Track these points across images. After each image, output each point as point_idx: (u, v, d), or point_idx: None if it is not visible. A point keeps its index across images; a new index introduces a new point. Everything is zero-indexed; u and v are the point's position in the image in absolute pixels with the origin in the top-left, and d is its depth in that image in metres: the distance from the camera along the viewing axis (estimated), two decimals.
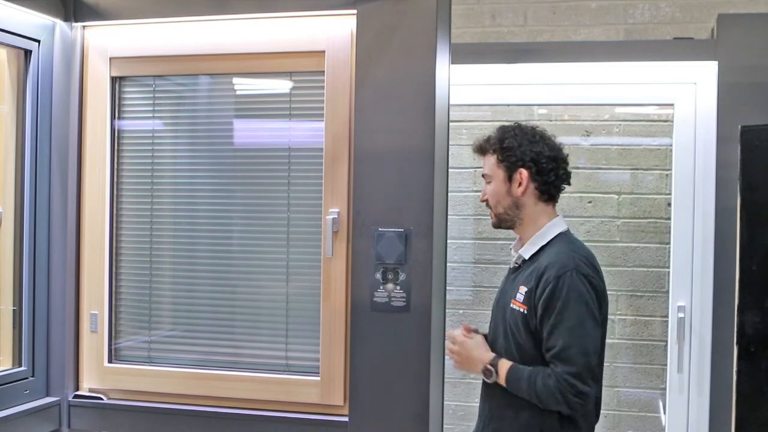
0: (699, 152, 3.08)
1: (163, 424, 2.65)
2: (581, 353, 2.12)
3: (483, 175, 2.33)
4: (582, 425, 2.24)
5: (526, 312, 2.21)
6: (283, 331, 2.62)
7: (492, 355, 2.27)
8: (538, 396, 2.16)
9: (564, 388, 2.10)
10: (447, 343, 2.32)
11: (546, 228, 2.27)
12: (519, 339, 2.25)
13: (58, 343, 2.70)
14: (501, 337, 2.32)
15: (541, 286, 2.17)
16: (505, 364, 2.24)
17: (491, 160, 2.29)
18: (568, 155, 2.32)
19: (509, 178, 2.25)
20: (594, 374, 2.16)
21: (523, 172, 2.23)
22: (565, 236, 2.27)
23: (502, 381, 2.24)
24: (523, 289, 2.23)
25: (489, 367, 2.24)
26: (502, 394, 2.28)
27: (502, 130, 2.31)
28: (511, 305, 2.26)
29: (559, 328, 2.13)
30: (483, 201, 2.35)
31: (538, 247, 2.27)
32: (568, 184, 2.33)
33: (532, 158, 2.23)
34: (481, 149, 2.33)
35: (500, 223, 2.32)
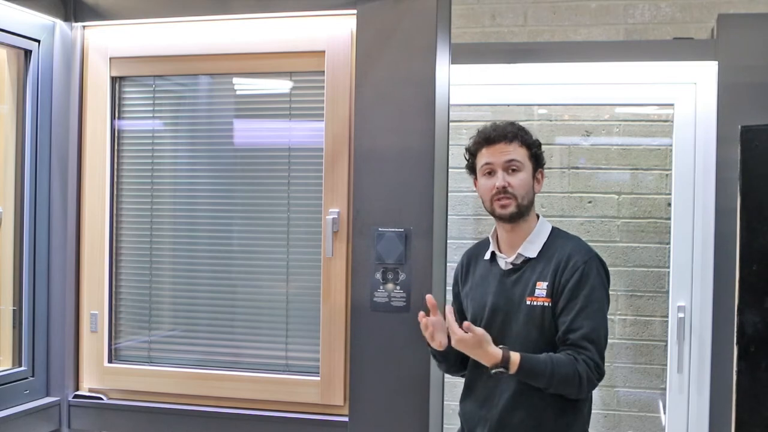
0: (699, 152, 3.08)
1: (163, 424, 2.65)
2: (605, 336, 2.22)
3: (510, 161, 2.25)
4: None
5: (550, 305, 2.22)
6: (283, 331, 2.62)
7: (499, 351, 2.15)
8: (557, 386, 2.14)
9: (591, 370, 2.16)
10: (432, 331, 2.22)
11: (539, 226, 2.31)
12: (547, 334, 2.23)
13: (58, 343, 2.70)
14: (513, 339, 2.27)
15: (567, 274, 2.20)
16: (514, 358, 2.15)
17: (522, 151, 2.27)
18: None
19: (533, 175, 2.30)
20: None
21: (542, 173, 2.33)
22: (559, 231, 2.33)
23: (513, 371, 2.15)
24: (542, 285, 2.23)
25: (501, 369, 2.14)
26: (517, 398, 2.24)
27: (520, 126, 2.33)
28: (529, 303, 2.23)
29: (587, 311, 2.18)
30: (504, 187, 2.24)
31: (540, 246, 2.28)
32: None
33: (543, 162, 2.34)
34: (515, 136, 2.28)
35: (520, 214, 2.28)
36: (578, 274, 2.20)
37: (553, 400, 2.21)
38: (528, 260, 2.29)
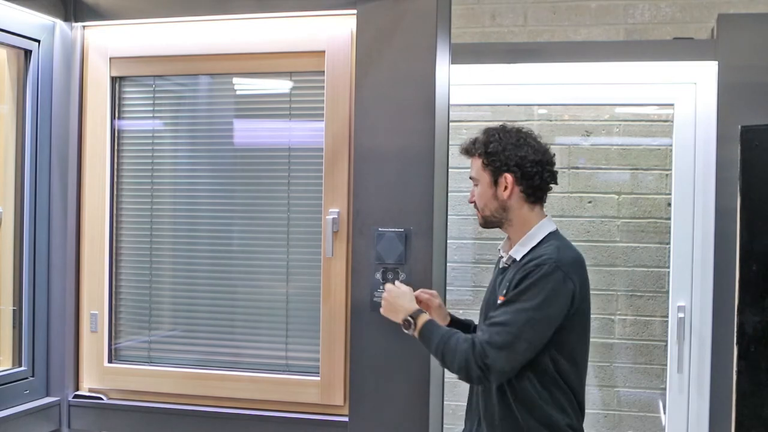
0: (699, 152, 3.08)
1: (163, 424, 2.65)
2: (514, 334, 2.08)
3: (470, 177, 2.33)
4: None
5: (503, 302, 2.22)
6: (283, 331, 2.62)
7: (416, 307, 2.25)
8: (443, 352, 2.14)
9: (474, 353, 2.08)
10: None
11: (535, 229, 2.26)
12: None
13: (58, 343, 2.70)
14: None
15: (519, 274, 2.17)
16: (423, 318, 2.22)
17: (477, 163, 2.29)
18: (554, 155, 2.32)
19: (495, 182, 2.25)
20: (517, 360, 2.11)
21: (508, 177, 2.23)
22: (554, 236, 2.27)
23: (416, 333, 2.23)
24: (507, 284, 2.24)
25: (409, 318, 2.23)
26: (500, 396, 2.26)
27: (487, 133, 2.30)
28: (498, 301, 2.28)
29: (510, 306, 2.12)
30: (471, 202, 2.35)
31: (528, 249, 2.26)
32: (555, 183, 2.33)
33: (517, 163, 2.22)
34: (467, 152, 2.33)
35: (487, 224, 2.33)
36: (523, 274, 2.14)
37: (518, 392, 2.17)
38: (515, 261, 2.30)
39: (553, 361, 2.12)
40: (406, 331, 2.25)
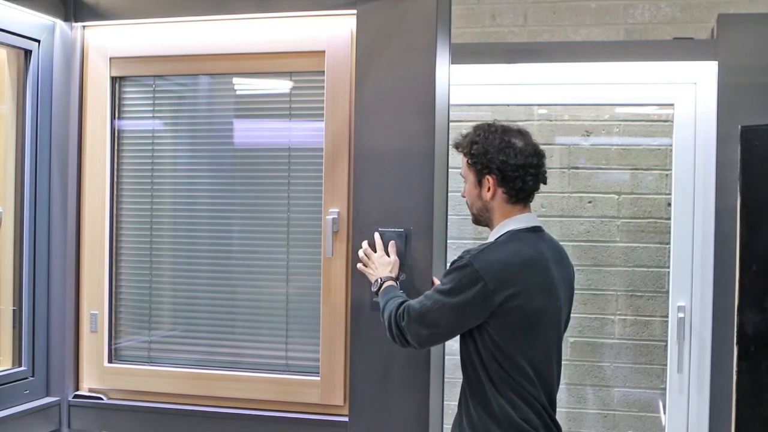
0: (699, 152, 3.08)
1: (163, 424, 2.65)
2: (428, 307, 2.14)
3: (460, 174, 2.33)
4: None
5: None
6: (283, 331, 2.62)
7: (389, 275, 2.34)
8: (383, 310, 2.26)
9: (397, 313, 2.19)
10: (364, 246, 2.39)
11: (499, 226, 2.25)
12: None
13: (58, 343, 2.70)
14: None
15: None
16: (388, 283, 2.32)
17: (464, 161, 2.29)
18: (544, 155, 2.28)
19: (479, 183, 2.25)
20: (428, 331, 2.16)
21: (490, 179, 2.22)
22: (510, 236, 2.21)
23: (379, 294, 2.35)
24: None
25: (378, 279, 2.33)
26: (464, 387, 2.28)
27: (474, 131, 2.28)
28: None
29: (436, 286, 2.20)
30: (463, 197, 2.35)
31: (483, 244, 2.24)
32: (544, 183, 2.31)
33: (498, 167, 2.21)
34: (457, 147, 2.33)
35: (476, 221, 2.33)
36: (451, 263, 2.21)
37: (473, 387, 2.18)
38: None
39: (495, 358, 2.12)
40: (373, 292, 2.34)
